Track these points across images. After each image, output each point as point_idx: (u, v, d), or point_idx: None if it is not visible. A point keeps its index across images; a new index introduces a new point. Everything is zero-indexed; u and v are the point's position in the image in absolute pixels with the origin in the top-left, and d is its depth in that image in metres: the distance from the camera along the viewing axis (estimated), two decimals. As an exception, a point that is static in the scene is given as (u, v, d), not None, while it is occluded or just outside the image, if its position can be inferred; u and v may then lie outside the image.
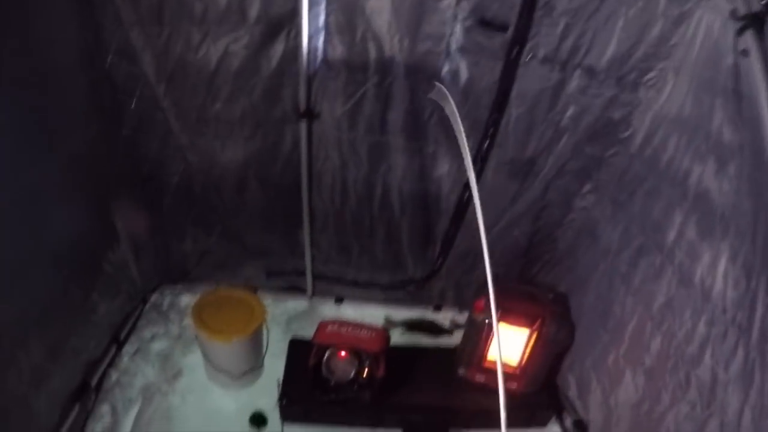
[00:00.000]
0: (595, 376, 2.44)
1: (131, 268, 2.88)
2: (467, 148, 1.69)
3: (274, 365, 2.77)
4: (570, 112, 2.33)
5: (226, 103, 2.40)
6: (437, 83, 2.23)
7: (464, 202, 2.63)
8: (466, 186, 2.55)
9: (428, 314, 3.24)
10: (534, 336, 2.53)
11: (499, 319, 2.53)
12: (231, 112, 2.43)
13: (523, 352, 2.60)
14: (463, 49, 2.24)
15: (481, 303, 2.57)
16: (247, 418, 2.63)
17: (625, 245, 2.32)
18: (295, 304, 3.21)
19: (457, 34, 2.21)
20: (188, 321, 2.91)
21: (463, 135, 1.69)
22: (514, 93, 2.27)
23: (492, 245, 2.77)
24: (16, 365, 2.00)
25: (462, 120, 2.36)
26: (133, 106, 2.38)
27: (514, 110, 2.31)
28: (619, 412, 2.27)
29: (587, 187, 2.57)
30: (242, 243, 2.96)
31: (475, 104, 2.32)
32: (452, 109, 1.83)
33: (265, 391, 2.71)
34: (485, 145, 2.41)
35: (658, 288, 2.09)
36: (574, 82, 2.24)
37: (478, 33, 2.19)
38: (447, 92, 2.02)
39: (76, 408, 2.41)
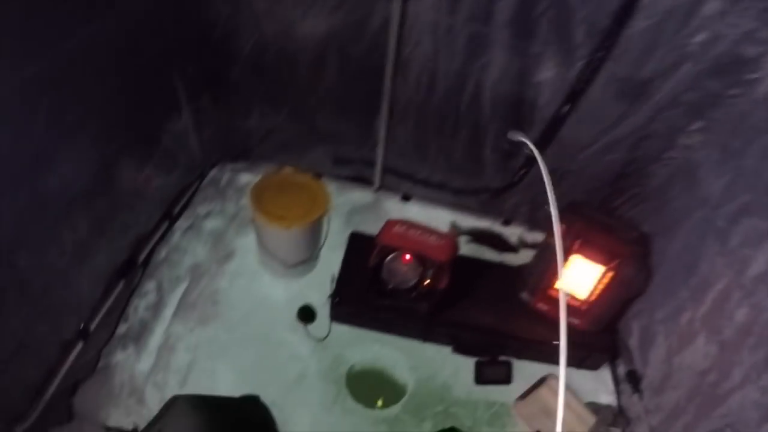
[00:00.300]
0: (663, 330, 2.20)
1: (191, 141, 2.69)
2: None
3: (330, 258, 2.63)
4: (700, 37, 1.96)
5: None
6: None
7: (561, 116, 2.31)
8: (567, 98, 2.23)
9: (496, 227, 3.00)
10: (609, 275, 2.29)
11: (575, 250, 2.33)
12: (318, -23, 2.14)
13: (594, 289, 2.37)
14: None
15: (562, 228, 2.34)
16: (295, 310, 2.52)
17: (728, 199, 2.00)
18: (360, 195, 3.01)
19: None
20: (246, 201, 2.76)
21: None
22: (644, 2, 1.90)
23: (581, 167, 2.52)
24: (58, 240, 1.89)
25: (579, 23, 2.07)
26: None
27: (641, 22, 1.95)
28: (680, 376, 2.05)
29: (697, 124, 2.21)
30: (312, 125, 2.72)
31: (597, 7, 1.96)
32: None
33: (317, 285, 2.58)
34: (599, 55, 2.09)
35: (757, 255, 1.80)
36: (714, 3, 1.86)
37: None
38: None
39: (121, 284, 2.32)
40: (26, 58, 1.55)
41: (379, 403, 2.41)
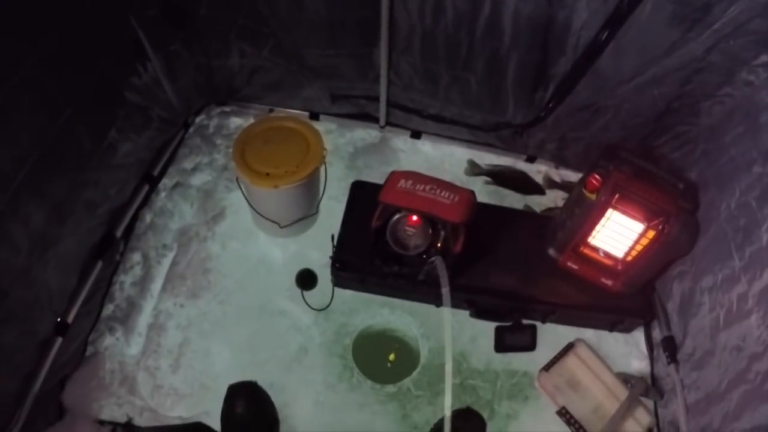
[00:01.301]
0: (709, 300, 1.87)
1: (166, 90, 2.36)
2: None
3: (332, 209, 2.34)
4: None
5: None
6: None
7: (599, 42, 1.88)
8: (608, 21, 1.81)
9: (519, 164, 2.66)
10: (650, 234, 1.94)
11: (612, 204, 1.96)
12: None
13: (631, 248, 2.04)
14: None
15: (597, 179, 1.97)
16: (294, 274, 2.27)
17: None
18: (364, 134, 2.68)
19: None
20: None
21: None
22: None
23: (620, 102, 1.99)
24: (8, 237, 1.63)
25: None
26: None
27: None
28: (724, 356, 1.74)
29: (764, 57, 1.75)
30: (301, 60, 2.36)
31: None
32: None
33: (317, 243, 2.29)
34: None
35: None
36: None
37: None
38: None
39: (99, 265, 2.09)
40: None
41: (391, 357, 2.22)
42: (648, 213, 1.91)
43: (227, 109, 2.65)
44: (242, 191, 2.20)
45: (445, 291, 1.80)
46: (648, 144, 2.26)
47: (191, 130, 2.59)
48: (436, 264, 1.89)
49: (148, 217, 2.32)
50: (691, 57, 1.83)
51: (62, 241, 1.88)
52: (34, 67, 1.60)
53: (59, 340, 1.93)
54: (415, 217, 1.98)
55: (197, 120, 2.62)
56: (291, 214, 2.24)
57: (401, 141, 2.67)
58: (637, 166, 1.99)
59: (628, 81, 1.99)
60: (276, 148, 2.12)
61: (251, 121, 2.57)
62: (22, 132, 1.62)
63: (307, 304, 2.21)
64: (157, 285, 2.22)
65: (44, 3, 1.61)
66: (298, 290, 2.24)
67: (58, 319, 1.94)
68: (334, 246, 2.18)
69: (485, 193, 2.54)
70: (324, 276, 2.27)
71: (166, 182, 2.42)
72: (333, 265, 2.17)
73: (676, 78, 1.93)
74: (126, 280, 2.20)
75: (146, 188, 2.35)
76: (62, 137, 1.79)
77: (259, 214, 2.21)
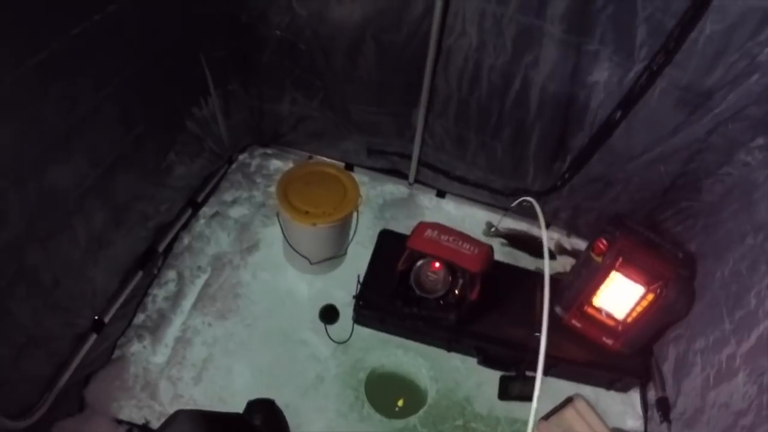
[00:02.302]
0: (701, 361, 2.03)
1: (218, 126, 2.61)
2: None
3: (358, 254, 2.54)
4: (773, 47, 1.78)
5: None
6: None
7: (613, 121, 2.13)
8: (621, 102, 2.06)
9: (533, 230, 2.86)
10: (649, 296, 2.13)
11: (616, 267, 2.16)
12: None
13: (631, 310, 2.22)
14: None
15: (604, 243, 2.18)
16: (318, 307, 2.43)
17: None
18: (393, 188, 2.90)
19: None
20: (274, 189, 2.70)
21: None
22: (715, 4, 1.71)
23: (629, 176, 2.28)
24: (71, 233, 1.83)
25: (641, 22, 1.85)
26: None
27: (709, 26, 1.76)
28: (713, 412, 1.89)
29: (759, 140, 1.99)
30: (346, 114, 2.60)
31: (663, 7, 1.79)
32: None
33: (342, 282, 2.48)
34: (660, 58, 1.90)
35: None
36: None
37: None
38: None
39: (139, 275, 2.27)
40: (30, 45, 1.46)
41: (400, 403, 2.34)
42: (648, 277, 2.11)
43: (269, 151, 2.87)
44: (280, 225, 2.40)
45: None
46: (653, 216, 2.47)
47: (234, 165, 2.81)
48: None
49: (186, 240, 2.51)
50: (695, 138, 2.07)
51: (114, 245, 2.07)
52: (119, 86, 1.85)
53: (94, 336, 2.09)
54: (437, 264, 2.18)
55: (241, 157, 2.84)
56: (322, 252, 2.43)
57: (427, 198, 2.88)
58: (641, 235, 2.19)
59: (637, 157, 2.22)
60: (316, 191, 2.34)
61: (290, 164, 2.80)
62: (101, 139, 1.85)
63: (329, 336, 2.36)
64: (188, 302, 2.39)
65: (136, 34, 1.87)
66: (321, 323, 2.40)
67: (96, 317, 2.10)
68: (359, 285, 2.36)
69: (501, 253, 2.73)
70: (345, 313, 2.43)
71: (206, 210, 2.62)
72: (356, 303, 2.34)
73: (680, 157, 2.17)
74: (159, 294, 2.37)
75: (189, 212, 2.55)
76: (132, 150, 2.02)
77: (293, 248, 2.40)
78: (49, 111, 1.59)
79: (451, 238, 2.19)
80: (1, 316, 1.64)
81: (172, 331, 2.31)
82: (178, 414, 1.51)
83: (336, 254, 2.49)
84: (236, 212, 2.67)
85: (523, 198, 2.03)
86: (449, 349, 2.39)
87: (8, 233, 1.58)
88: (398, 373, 2.41)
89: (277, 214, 2.43)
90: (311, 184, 2.36)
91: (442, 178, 2.81)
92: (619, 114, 2.11)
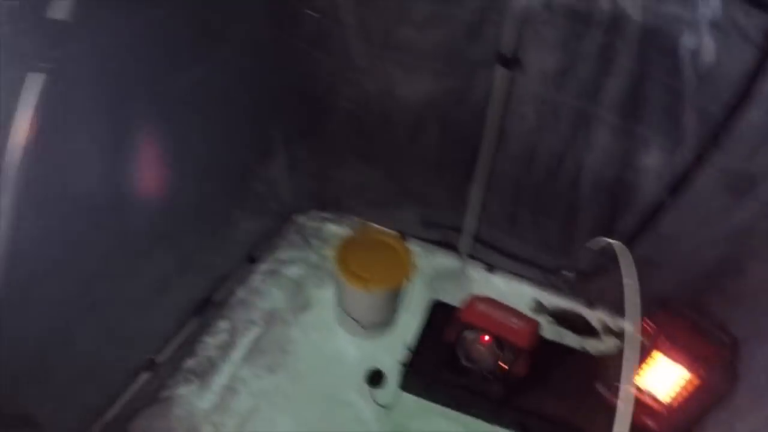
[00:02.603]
0: None
1: (283, 187, 2.76)
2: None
3: (407, 322, 2.59)
4: (820, 132, 1.83)
5: (418, 30, 2.13)
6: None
7: (661, 205, 2.21)
8: (670, 187, 2.13)
9: (580, 309, 2.86)
10: (692, 379, 2.12)
11: (659, 349, 2.18)
12: (422, 41, 2.15)
13: (674, 392, 2.20)
14: (714, 24, 1.77)
15: (649, 324, 2.21)
16: (365, 371, 2.49)
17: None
18: (445, 261, 2.96)
19: (712, 2, 1.81)
20: (330, 252, 2.80)
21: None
22: (760, 92, 1.79)
23: (675, 259, 2.35)
24: (140, 274, 1.97)
25: (690, 110, 1.92)
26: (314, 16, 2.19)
27: (755, 113, 1.83)
28: None
29: None
30: (405, 186, 2.72)
31: (712, 95, 1.86)
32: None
33: (390, 349, 2.53)
34: (708, 145, 1.96)
35: None
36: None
37: (739, 7, 1.72)
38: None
39: (194, 321, 2.39)
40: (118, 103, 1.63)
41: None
42: (691, 359, 2.10)
43: (327, 215, 3.00)
44: (336, 287, 2.50)
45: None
46: (698, 297, 2.45)
47: (292, 227, 2.95)
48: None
49: (241, 293, 2.63)
50: (742, 223, 2.10)
51: (175, 290, 2.21)
52: (198, 144, 2.03)
53: (146, 375, 2.20)
54: (486, 337, 2.23)
55: (299, 219, 2.98)
56: (373, 316, 2.51)
57: (477, 272, 2.94)
58: (685, 316, 2.22)
59: (683, 240, 2.27)
60: (372, 257, 2.46)
61: (346, 230, 2.91)
62: (177, 191, 2.01)
63: (374, 400, 2.40)
64: (238, 353, 2.47)
65: (218, 96, 2.06)
66: (366, 386, 2.45)
67: (150, 357, 2.22)
68: (409, 351, 2.42)
69: (547, 330, 2.75)
70: (392, 378, 2.47)
71: (263, 266, 2.74)
72: (403, 370, 2.38)
73: (726, 241, 2.20)
74: (211, 342, 2.47)
75: (246, 267, 2.68)
76: (202, 203, 2.18)
77: (345, 311, 2.50)
78: (128, 160, 1.75)
79: (501, 313, 2.26)
80: (66, 344, 1.76)
81: (220, 379, 2.39)
82: None
83: (386, 320, 2.56)
84: (291, 271, 2.78)
85: (606, 241, 2.07)
86: (493, 422, 2.40)
87: (87, 268, 1.72)
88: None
89: (334, 275, 2.52)
90: (368, 249, 2.48)
91: (494, 254, 2.87)
92: (667, 197, 2.17)
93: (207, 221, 2.29)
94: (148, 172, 1.83)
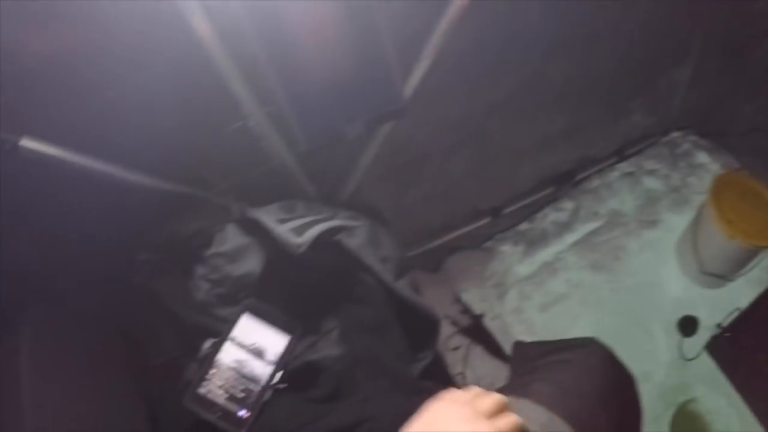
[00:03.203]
0: None
1: (678, 96, 2.53)
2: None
3: (744, 286, 2.35)
4: None
5: None
6: None
7: None
8: None
9: None
10: None
11: None
12: None
13: None
14: None
15: None
16: (680, 313, 2.33)
17: None
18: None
19: None
20: (693, 180, 2.62)
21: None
22: None
23: None
24: (534, 128, 2.05)
25: None
26: None
27: None
28: None
29: None
30: None
31: None
32: None
33: (717, 306, 2.33)
34: None
35: None
36: None
37: None
38: None
39: (548, 190, 2.39)
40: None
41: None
42: None
43: (704, 143, 2.75)
44: (695, 218, 2.33)
45: None
46: None
47: (665, 139, 2.75)
48: None
49: (595, 182, 2.56)
50: None
51: (553, 151, 2.25)
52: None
53: (487, 219, 2.29)
54: None
55: (673, 134, 2.77)
56: (719, 265, 2.30)
57: None
58: None
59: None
60: (746, 206, 2.19)
61: (717, 166, 2.65)
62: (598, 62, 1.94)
63: (680, 348, 2.28)
64: (572, 237, 2.45)
65: None
66: (675, 330, 2.32)
67: (497, 204, 2.31)
68: (730, 317, 2.24)
69: None
70: (702, 334, 2.30)
71: (623, 166, 2.63)
72: (719, 333, 2.22)
73: None
74: (551, 215, 2.47)
75: (612, 160, 2.58)
76: (614, 83, 2.21)
77: (691, 247, 2.33)
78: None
79: None
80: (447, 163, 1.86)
81: (545, 254, 2.41)
82: (593, 342, 1.54)
83: (728, 275, 2.35)
84: (650, 182, 2.62)
85: None
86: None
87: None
88: (707, 418, 2.25)
89: (699, 206, 2.34)
90: (742, 197, 2.21)
91: None
92: None
93: (607, 99, 2.21)
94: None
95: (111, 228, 1.21)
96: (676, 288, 2.42)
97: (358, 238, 1.25)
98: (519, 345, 1.53)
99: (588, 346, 1.56)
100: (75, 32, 0.95)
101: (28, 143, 0.99)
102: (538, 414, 1.04)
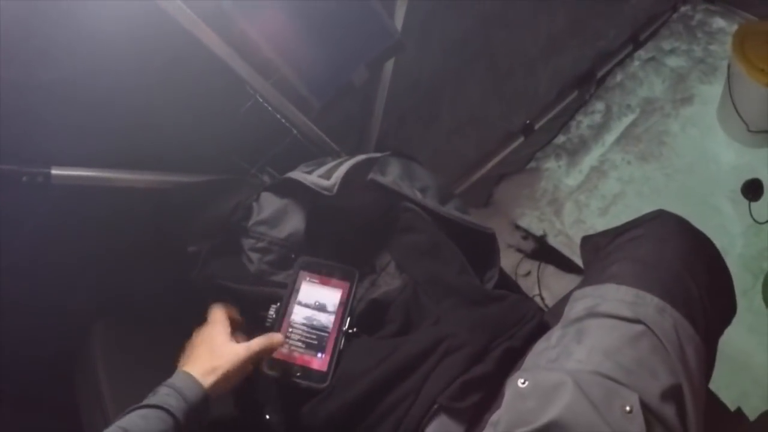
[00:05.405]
0: None
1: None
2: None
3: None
4: None
5: None
6: None
7: None
8: None
9: None
10: None
11: None
12: None
13: None
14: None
15: None
16: (741, 179, 2.31)
17: None
18: None
19: None
20: (715, 48, 2.58)
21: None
22: None
23: None
24: (534, 27, 2.01)
25: None
26: None
27: None
28: None
29: None
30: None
31: None
32: None
33: None
34: None
35: None
36: None
37: None
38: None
39: (574, 94, 2.37)
40: None
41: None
42: None
43: (714, 8, 2.71)
44: (727, 79, 2.29)
45: None
46: None
47: (675, 15, 2.73)
48: None
49: (619, 77, 2.55)
50: None
51: (563, 53, 2.22)
52: None
53: (521, 139, 2.27)
54: None
55: (683, 9, 2.74)
56: (763, 121, 2.26)
57: None
58: None
59: None
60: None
61: (734, 26, 2.62)
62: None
63: (750, 214, 2.24)
64: (611, 136, 2.45)
65: None
66: (741, 197, 2.29)
67: (528, 121, 2.28)
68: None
69: None
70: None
71: (641, 53, 2.61)
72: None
73: None
74: (584, 121, 2.47)
75: (628, 49, 2.57)
76: None
77: (733, 109, 2.30)
78: None
79: None
80: (461, 90, 1.87)
81: (589, 159, 2.41)
82: (662, 213, 1.55)
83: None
84: (673, 62, 2.60)
85: None
86: None
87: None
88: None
89: (728, 66, 2.29)
90: None
91: None
92: None
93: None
94: None
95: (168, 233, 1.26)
96: (730, 156, 2.39)
97: (390, 174, 1.26)
98: (586, 239, 1.53)
99: (657, 217, 1.55)
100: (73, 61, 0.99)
101: (58, 171, 1.04)
102: (623, 294, 1.02)
